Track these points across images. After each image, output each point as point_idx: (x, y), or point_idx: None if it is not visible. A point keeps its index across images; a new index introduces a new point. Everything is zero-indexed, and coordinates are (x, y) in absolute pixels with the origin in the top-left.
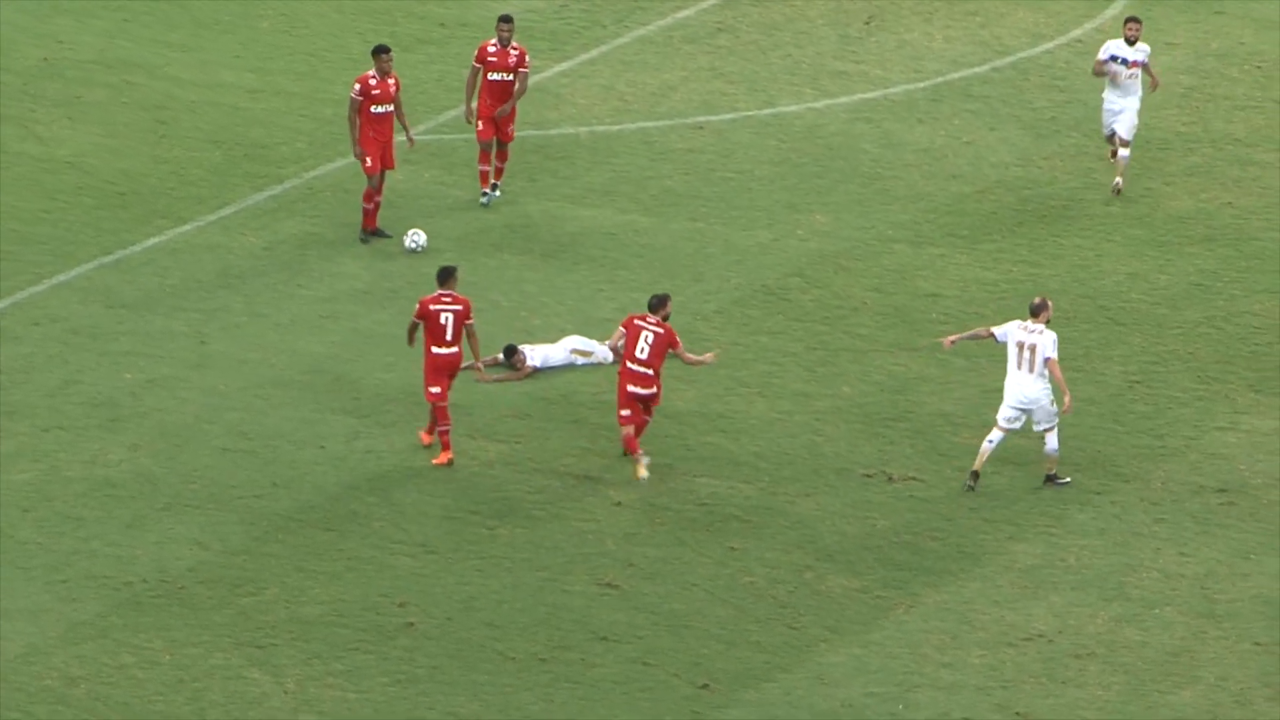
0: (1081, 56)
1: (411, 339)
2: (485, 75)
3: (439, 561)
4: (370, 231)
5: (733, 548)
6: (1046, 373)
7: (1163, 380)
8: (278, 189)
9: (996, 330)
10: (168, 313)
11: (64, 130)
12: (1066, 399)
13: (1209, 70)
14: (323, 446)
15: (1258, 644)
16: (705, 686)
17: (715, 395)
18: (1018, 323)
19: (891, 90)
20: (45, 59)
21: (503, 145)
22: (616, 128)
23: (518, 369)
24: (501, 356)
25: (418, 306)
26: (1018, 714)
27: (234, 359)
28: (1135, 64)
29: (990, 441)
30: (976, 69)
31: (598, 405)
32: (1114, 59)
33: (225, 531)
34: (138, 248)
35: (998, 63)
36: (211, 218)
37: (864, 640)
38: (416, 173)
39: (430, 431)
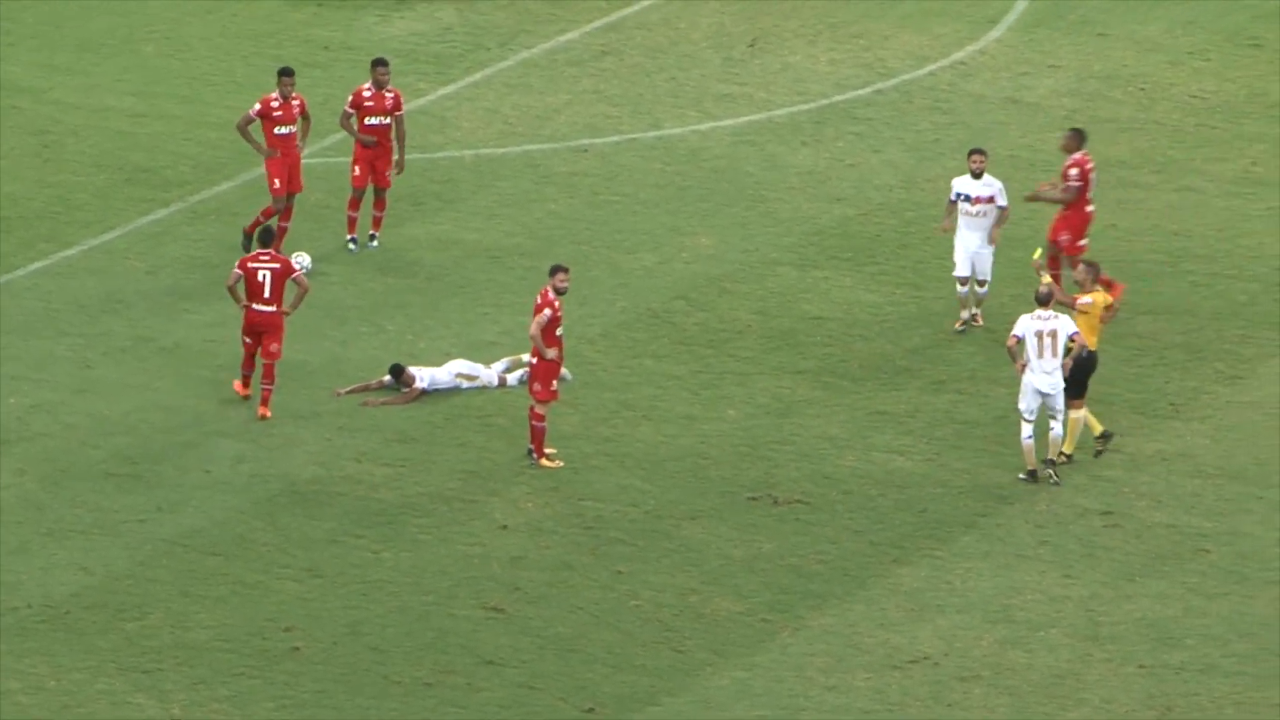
0: (964, 79)
1: (234, 293)
2: (362, 120)
3: (324, 585)
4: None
5: (619, 571)
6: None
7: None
8: (163, 213)
9: (1016, 333)
10: (53, 337)
11: None
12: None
13: (1092, 93)
14: (208, 470)
15: (1142, 666)
16: (591, 710)
17: (601, 419)
18: (1028, 315)
19: (776, 113)
20: None
21: (380, 193)
22: (501, 151)
23: (406, 390)
24: (389, 378)
25: (236, 265)
26: None
27: (118, 384)
28: (979, 199)
29: (1029, 437)
30: (860, 91)
31: (483, 429)
32: (959, 197)
33: (109, 556)
34: (22, 271)
35: (881, 85)
36: (95, 241)
37: (749, 664)
38: (303, 195)
39: (246, 384)
